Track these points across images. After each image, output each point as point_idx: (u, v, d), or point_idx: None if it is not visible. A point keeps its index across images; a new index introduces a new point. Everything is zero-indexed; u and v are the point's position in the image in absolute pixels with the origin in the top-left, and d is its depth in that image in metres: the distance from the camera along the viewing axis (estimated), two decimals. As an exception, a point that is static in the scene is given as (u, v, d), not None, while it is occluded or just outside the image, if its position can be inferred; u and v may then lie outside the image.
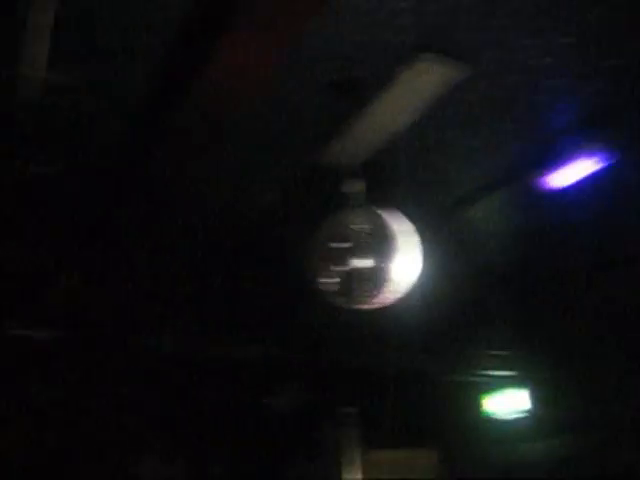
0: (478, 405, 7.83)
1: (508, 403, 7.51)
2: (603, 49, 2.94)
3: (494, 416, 7.70)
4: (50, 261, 4.66)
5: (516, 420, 7.45)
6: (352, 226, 2.93)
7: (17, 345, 5.66)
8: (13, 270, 4.74)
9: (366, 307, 2.99)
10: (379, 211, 3.01)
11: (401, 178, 3.81)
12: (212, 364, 6.31)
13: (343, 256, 2.89)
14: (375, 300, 2.95)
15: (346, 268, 2.89)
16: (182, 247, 4.64)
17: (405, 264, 2.93)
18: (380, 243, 2.90)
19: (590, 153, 3.81)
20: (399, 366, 6.75)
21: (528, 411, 7.24)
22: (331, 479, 8.34)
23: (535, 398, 7.18)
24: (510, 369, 7.12)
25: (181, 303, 5.27)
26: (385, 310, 3.90)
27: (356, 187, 3.13)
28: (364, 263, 2.87)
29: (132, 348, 5.74)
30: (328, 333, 6.04)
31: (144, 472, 6.71)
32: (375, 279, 2.88)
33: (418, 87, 3.04)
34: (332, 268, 2.93)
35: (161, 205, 4.12)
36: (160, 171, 3.62)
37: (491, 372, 7.22)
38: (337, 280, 2.93)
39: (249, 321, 5.71)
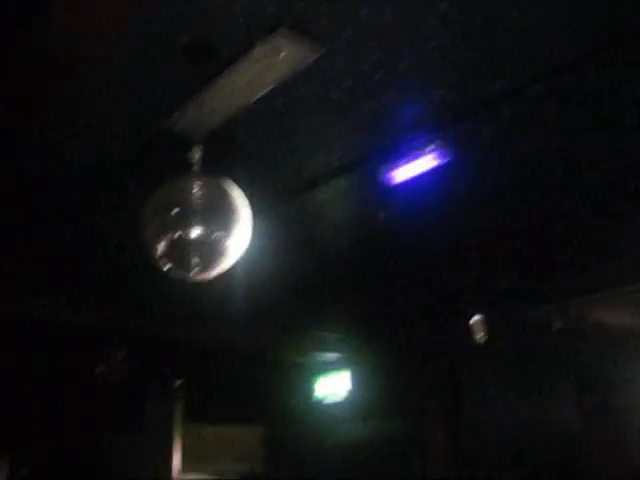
0: (304, 385, 8.01)
1: (332, 385, 7.73)
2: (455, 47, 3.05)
3: (319, 397, 7.90)
4: None
5: (339, 402, 7.69)
6: (188, 194, 2.85)
7: None
8: None
9: (199, 278, 2.93)
10: (216, 181, 2.95)
11: (245, 152, 3.79)
12: (41, 329, 6.02)
13: (177, 224, 2.82)
14: (207, 271, 2.90)
15: (180, 237, 2.81)
16: (17, 205, 4.35)
17: (238, 237, 2.90)
18: (216, 214, 2.85)
19: (431, 149, 3.96)
20: (228, 342, 6.75)
21: (349, 393, 7.50)
22: (156, 452, 8.24)
23: (357, 381, 7.44)
24: (336, 351, 7.33)
25: (14, 265, 4.97)
26: (218, 285, 3.88)
27: (196, 155, 3.06)
28: (198, 232, 2.81)
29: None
30: (161, 304, 5.92)
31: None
32: (209, 250, 2.84)
33: (271, 62, 3.02)
34: (166, 236, 2.84)
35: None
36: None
37: (318, 354, 7.40)
38: (170, 249, 2.85)
39: (80, 287, 5.48)
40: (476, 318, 4.07)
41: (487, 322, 4.03)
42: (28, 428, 6.73)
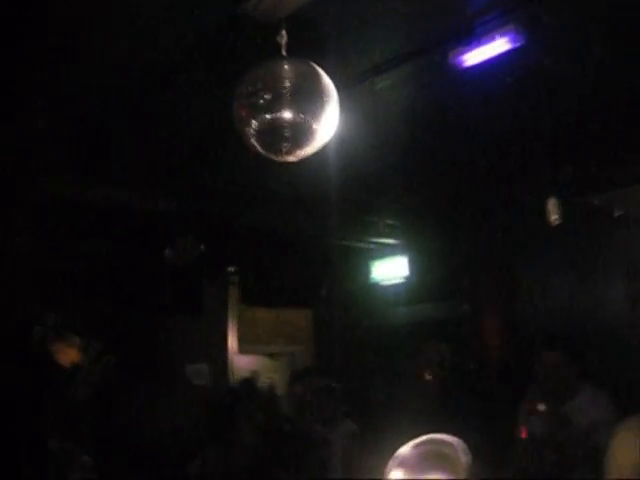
0: (360, 269, 8.21)
1: (389, 269, 7.93)
2: None
3: (374, 281, 8.12)
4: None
5: (395, 285, 7.90)
6: (277, 77, 2.92)
7: None
8: None
9: (287, 160, 3.04)
10: (305, 64, 3.01)
11: (323, 36, 3.80)
12: (107, 213, 6.21)
13: (267, 107, 2.90)
14: (296, 153, 3.01)
15: (270, 119, 2.90)
16: (86, 92, 4.43)
17: (327, 120, 2.98)
18: (305, 96, 2.92)
19: (504, 32, 3.93)
20: (285, 226, 6.89)
21: (406, 277, 7.70)
22: (212, 334, 8.64)
23: (413, 265, 7.62)
24: (393, 237, 7.47)
25: (80, 148, 5.10)
26: (280, 169, 3.98)
27: (282, 39, 3.11)
28: (288, 115, 2.89)
29: (27, 190, 5.54)
30: (221, 187, 6.05)
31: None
32: (298, 132, 2.93)
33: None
34: (255, 119, 2.93)
35: (62, 45, 3.90)
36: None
37: (375, 239, 7.55)
38: (260, 131, 2.95)
39: (148, 172, 5.63)
40: (552, 200, 4.13)
41: (561, 205, 4.09)
42: (95, 308, 7.04)
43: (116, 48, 3.94)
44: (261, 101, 2.88)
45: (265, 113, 2.88)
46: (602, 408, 3.88)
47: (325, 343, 8.96)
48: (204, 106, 4.54)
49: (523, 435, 4.19)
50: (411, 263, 7.61)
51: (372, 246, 7.68)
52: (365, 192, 6.11)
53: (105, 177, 5.87)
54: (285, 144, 2.93)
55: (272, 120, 2.88)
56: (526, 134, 4.74)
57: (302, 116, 2.89)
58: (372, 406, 6.53)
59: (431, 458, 1.70)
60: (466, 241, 6.80)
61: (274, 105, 2.87)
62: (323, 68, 3.18)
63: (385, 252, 7.80)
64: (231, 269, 8.53)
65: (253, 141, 2.98)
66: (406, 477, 1.68)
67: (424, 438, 1.76)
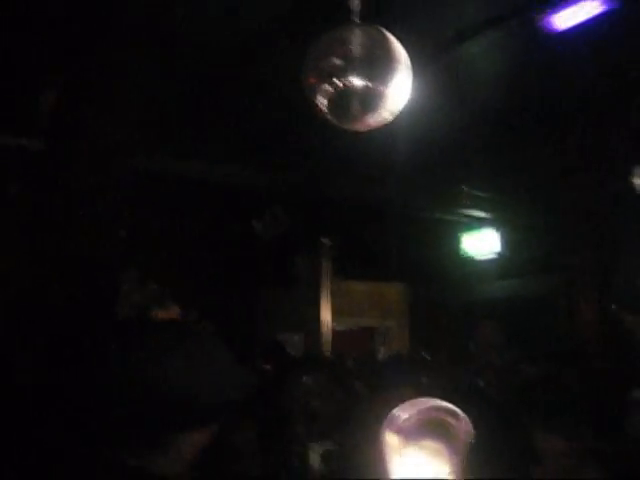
0: (450, 243, 8.09)
1: (479, 244, 7.77)
2: None
3: (465, 255, 7.98)
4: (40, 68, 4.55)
5: (487, 259, 7.74)
6: (349, 44, 2.88)
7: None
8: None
9: (359, 127, 3.01)
10: (377, 31, 2.96)
11: (400, 3, 3.74)
12: (198, 187, 6.38)
13: (338, 73, 2.88)
14: (368, 121, 2.97)
15: (341, 86, 2.88)
16: (173, 70, 4.55)
17: (398, 88, 2.93)
18: (377, 63, 2.88)
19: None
20: (377, 200, 6.85)
21: (497, 253, 7.52)
22: (306, 306, 8.75)
23: (505, 239, 7.43)
24: (484, 210, 7.31)
25: (172, 126, 5.24)
26: (372, 142, 3.95)
27: (355, 4, 3.06)
28: (359, 82, 2.86)
29: (120, 169, 5.76)
30: (315, 162, 6.09)
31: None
32: (369, 100, 2.89)
33: None
34: (327, 85, 2.92)
35: (151, 24, 4.00)
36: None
37: (466, 212, 7.41)
38: (331, 98, 2.93)
39: (238, 146, 5.73)
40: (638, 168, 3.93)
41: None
42: (194, 279, 7.25)
43: (206, 27, 4.03)
44: (330, 68, 2.86)
45: (334, 79, 2.86)
46: None
47: (418, 317, 8.91)
48: (291, 81, 4.56)
49: None
50: (503, 238, 7.43)
51: (462, 218, 7.54)
52: (455, 163, 6.00)
53: (199, 153, 6.02)
54: (355, 112, 2.90)
55: (341, 87, 2.85)
56: (619, 102, 4.51)
57: (372, 83, 2.85)
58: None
59: (429, 424, 1.66)
60: (561, 216, 6.55)
61: (343, 72, 2.84)
62: (404, 37, 3.13)
63: (477, 225, 7.64)
64: (325, 242, 8.59)
65: (323, 109, 2.97)
66: (400, 441, 1.65)
67: (425, 403, 1.71)
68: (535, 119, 5.19)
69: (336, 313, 8.96)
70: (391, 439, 1.71)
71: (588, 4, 3.83)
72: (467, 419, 1.73)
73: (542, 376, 4.24)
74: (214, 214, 7.03)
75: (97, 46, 3.95)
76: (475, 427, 1.77)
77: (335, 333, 8.86)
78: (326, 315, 8.92)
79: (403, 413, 1.72)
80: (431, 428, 1.70)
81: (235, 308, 7.71)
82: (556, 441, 2.77)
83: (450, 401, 1.81)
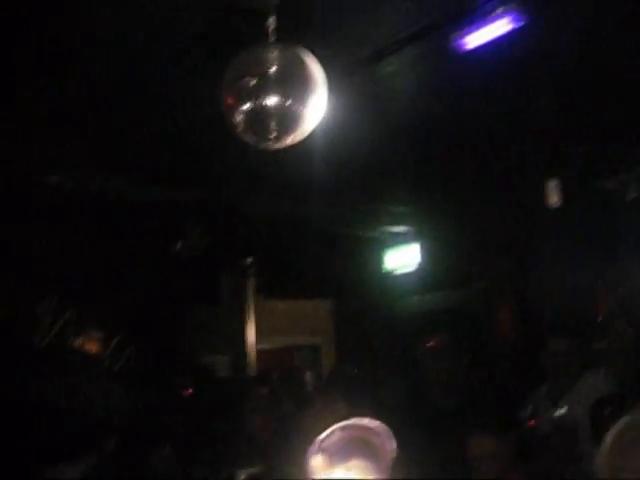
0: (374, 259, 8.16)
1: (401, 259, 7.86)
2: None
3: (387, 270, 8.06)
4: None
5: (409, 273, 7.84)
6: (266, 63, 2.88)
7: None
8: None
9: (275, 146, 3.00)
10: (293, 50, 2.97)
11: (316, 22, 3.75)
12: (117, 206, 6.24)
13: (255, 92, 2.87)
14: (284, 139, 2.97)
15: (258, 105, 2.87)
16: (89, 83, 4.43)
17: (314, 106, 2.93)
18: (293, 82, 2.88)
19: (504, 13, 3.85)
20: (299, 217, 6.86)
21: (419, 267, 7.63)
22: (230, 325, 8.66)
23: (426, 253, 7.55)
24: (405, 224, 7.41)
25: (89, 143, 5.11)
26: (292, 158, 3.94)
27: (271, 24, 3.06)
28: (275, 100, 2.85)
29: (34, 185, 5.58)
30: (236, 179, 6.04)
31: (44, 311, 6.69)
32: (285, 118, 2.89)
33: None
34: (244, 105, 2.90)
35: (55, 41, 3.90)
36: None
37: (387, 227, 7.49)
38: (248, 117, 2.91)
39: (157, 162, 5.63)
40: (552, 183, 4.06)
41: (562, 188, 4.02)
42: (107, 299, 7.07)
43: (115, 37, 3.94)
44: (246, 87, 2.85)
45: (251, 99, 2.84)
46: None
47: (345, 334, 8.94)
48: (208, 95, 4.52)
49: (532, 423, 4.14)
50: (423, 251, 7.55)
51: (384, 235, 7.64)
52: (374, 180, 6.06)
53: (118, 171, 5.89)
54: (271, 131, 2.89)
55: (258, 106, 2.84)
56: (534, 116, 4.65)
57: (289, 102, 2.85)
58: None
59: (354, 444, 1.66)
60: (477, 227, 6.73)
61: (260, 91, 2.83)
62: (321, 54, 3.14)
63: (397, 240, 7.75)
64: (248, 260, 8.53)
65: (240, 128, 2.95)
66: (326, 463, 1.64)
67: (348, 423, 1.71)
68: (452, 135, 5.29)
69: (260, 332, 8.91)
70: (317, 460, 1.70)
71: (498, 23, 3.93)
72: (391, 436, 1.74)
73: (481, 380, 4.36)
74: (135, 234, 6.88)
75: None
76: (402, 442, 1.77)
77: (259, 352, 8.80)
78: (251, 335, 8.85)
79: (327, 433, 1.72)
80: (357, 447, 1.70)
81: (158, 330, 7.55)
82: (488, 444, 2.83)
83: (376, 417, 1.81)
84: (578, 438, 3.73)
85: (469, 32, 4.06)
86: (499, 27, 3.97)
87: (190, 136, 5.14)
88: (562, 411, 3.97)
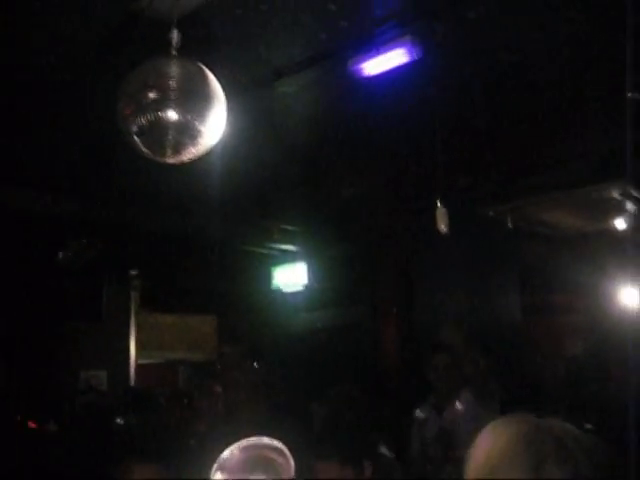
0: (261, 276, 8.17)
1: (289, 277, 7.92)
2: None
3: (275, 288, 8.09)
4: None
5: (296, 292, 7.90)
6: (166, 76, 2.84)
7: None
8: None
9: (172, 160, 2.96)
10: (193, 65, 2.95)
11: (217, 39, 3.75)
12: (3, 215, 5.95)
13: (153, 106, 2.82)
14: (181, 154, 2.93)
15: (155, 119, 2.82)
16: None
17: (213, 122, 2.92)
18: (192, 98, 2.86)
19: (400, 44, 3.98)
20: (185, 231, 6.79)
21: (305, 285, 7.71)
22: (113, 340, 8.41)
23: (313, 272, 7.64)
24: (293, 244, 7.48)
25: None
26: (178, 173, 3.90)
27: (173, 38, 3.03)
28: (173, 115, 2.82)
29: None
30: (120, 192, 5.91)
31: None
32: (183, 133, 2.86)
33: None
34: (141, 118, 2.85)
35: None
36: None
37: (277, 245, 7.53)
38: (145, 131, 2.86)
39: (43, 174, 5.44)
40: (441, 209, 4.23)
41: (450, 215, 4.20)
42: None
43: (15, 46, 3.79)
44: (145, 100, 2.80)
45: (149, 112, 2.80)
46: (474, 412, 4.07)
47: (229, 350, 8.86)
48: (102, 107, 4.41)
49: None
50: (310, 270, 7.64)
51: (273, 252, 7.69)
52: (267, 197, 6.10)
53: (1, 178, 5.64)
54: (169, 145, 2.85)
55: (156, 120, 2.80)
56: (425, 145, 4.83)
57: (187, 117, 2.82)
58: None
59: (254, 462, 1.68)
60: (364, 248, 6.91)
61: (158, 105, 2.79)
62: (221, 71, 3.13)
63: (286, 258, 7.81)
64: (133, 273, 8.33)
65: (137, 141, 2.90)
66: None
67: (249, 442, 1.73)
68: (343, 157, 5.41)
69: (143, 346, 8.71)
70: (217, 477, 1.70)
71: (395, 53, 4.06)
72: (286, 450, 1.76)
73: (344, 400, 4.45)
74: (14, 243, 6.57)
75: None
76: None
77: (138, 367, 8.60)
78: (132, 349, 8.65)
79: (226, 452, 1.72)
80: (257, 465, 1.71)
81: (36, 344, 7.24)
82: (333, 471, 2.75)
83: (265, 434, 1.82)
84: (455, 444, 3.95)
85: (366, 59, 4.17)
86: (395, 57, 4.11)
87: (80, 148, 5.00)
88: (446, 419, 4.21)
